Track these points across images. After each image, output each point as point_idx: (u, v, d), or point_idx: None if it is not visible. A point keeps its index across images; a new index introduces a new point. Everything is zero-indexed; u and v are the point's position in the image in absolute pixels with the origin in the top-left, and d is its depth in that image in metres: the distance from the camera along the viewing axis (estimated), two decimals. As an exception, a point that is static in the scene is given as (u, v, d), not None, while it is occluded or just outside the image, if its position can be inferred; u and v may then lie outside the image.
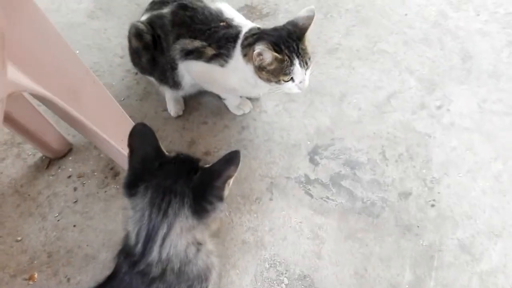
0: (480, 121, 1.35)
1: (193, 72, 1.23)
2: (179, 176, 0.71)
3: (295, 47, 1.05)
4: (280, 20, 1.68)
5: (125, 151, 0.72)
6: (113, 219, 1.18)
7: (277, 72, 1.06)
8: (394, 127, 1.35)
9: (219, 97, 1.41)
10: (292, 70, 1.06)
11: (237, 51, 1.12)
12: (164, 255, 0.69)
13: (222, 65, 1.15)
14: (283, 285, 1.07)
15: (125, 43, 1.59)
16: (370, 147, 1.31)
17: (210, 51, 1.15)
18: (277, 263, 1.10)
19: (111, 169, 1.29)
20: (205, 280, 0.77)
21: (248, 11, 1.74)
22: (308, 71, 1.10)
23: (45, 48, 0.69)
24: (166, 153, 0.75)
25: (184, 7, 1.19)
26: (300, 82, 1.09)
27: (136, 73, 1.53)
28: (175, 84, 1.29)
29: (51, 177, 1.28)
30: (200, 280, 0.76)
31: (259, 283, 1.07)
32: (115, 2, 1.81)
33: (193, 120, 1.41)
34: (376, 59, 1.54)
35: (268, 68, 1.06)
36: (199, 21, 1.16)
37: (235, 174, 0.70)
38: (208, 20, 1.16)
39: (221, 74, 1.18)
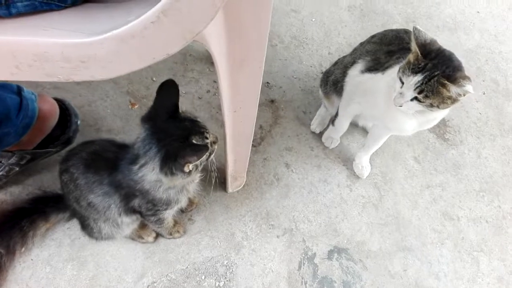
0: None
1: (353, 82, 1.37)
2: (169, 136, 0.89)
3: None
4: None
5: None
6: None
7: None
8: None
9: (332, 121, 1.54)
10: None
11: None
12: (139, 175, 0.93)
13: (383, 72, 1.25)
14: None
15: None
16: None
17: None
18: None
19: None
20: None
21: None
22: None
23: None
24: (181, 112, 0.93)
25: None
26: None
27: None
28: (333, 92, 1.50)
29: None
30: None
31: None
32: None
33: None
34: None
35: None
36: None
37: (195, 163, 0.88)
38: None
39: (375, 82, 1.26)
